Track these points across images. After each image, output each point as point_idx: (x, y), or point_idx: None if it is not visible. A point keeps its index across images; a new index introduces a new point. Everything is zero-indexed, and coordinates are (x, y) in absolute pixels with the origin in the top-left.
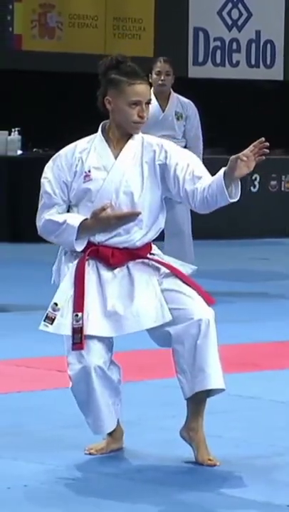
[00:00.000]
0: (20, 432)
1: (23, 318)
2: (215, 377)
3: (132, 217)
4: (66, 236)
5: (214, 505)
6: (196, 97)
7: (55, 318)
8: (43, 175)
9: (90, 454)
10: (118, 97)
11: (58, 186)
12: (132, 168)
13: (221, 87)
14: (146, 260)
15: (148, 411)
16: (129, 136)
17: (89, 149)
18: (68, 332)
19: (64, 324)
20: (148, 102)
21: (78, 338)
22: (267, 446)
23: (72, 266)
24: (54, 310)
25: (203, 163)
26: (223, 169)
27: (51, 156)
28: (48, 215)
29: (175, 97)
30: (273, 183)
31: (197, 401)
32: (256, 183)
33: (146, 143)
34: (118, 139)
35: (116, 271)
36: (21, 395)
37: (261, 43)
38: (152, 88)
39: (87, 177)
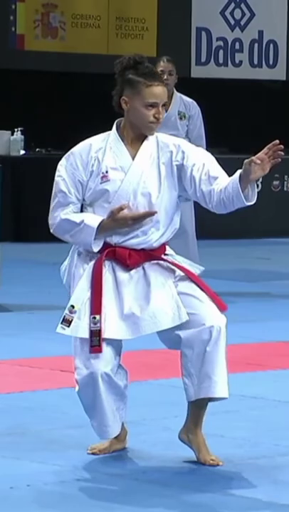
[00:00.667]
0: (23, 431)
1: (26, 317)
2: (220, 385)
3: (148, 217)
4: (83, 236)
5: (219, 505)
6: (198, 96)
7: (72, 320)
8: (57, 173)
9: (92, 453)
10: (135, 97)
11: (73, 185)
12: (149, 168)
13: (224, 86)
14: (161, 261)
15: (152, 411)
16: (144, 136)
17: (104, 148)
18: (86, 335)
19: (81, 327)
20: (164, 104)
21: (96, 341)
22: (271, 446)
23: (89, 267)
24: (71, 312)
25: None
26: (239, 172)
27: (55, 157)
28: (63, 215)
29: (178, 96)
30: (276, 183)
31: (199, 405)
32: (259, 182)
33: (162, 143)
34: (132, 138)
35: (132, 272)
36: (24, 395)
37: (264, 43)
38: None
39: (104, 177)
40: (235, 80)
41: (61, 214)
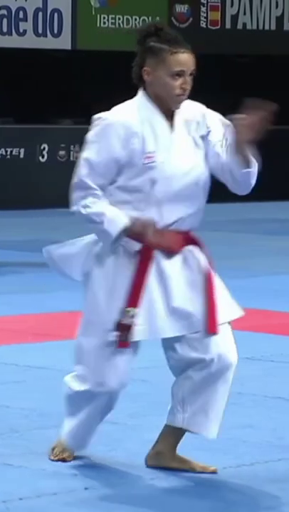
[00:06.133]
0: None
1: None
2: (214, 425)
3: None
4: (102, 238)
5: None
6: None
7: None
8: (88, 145)
9: (52, 460)
10: (158, 67)
11: (105, 164)
12: (187, 146)
13: (9, 55)
14: (195, 248)
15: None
16: (171, 110)
17: (144, 122)
18: (141, 337)
19: (137, 330)
20: (192, 73)
21: (125, 337)
22: (61, 416)
23: (127, 257)
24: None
25: None
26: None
27: None
28: (82, 208)
29: None
30: (62, 152)
31: (179, 435)
32: (44, 152)
33: (188, 114)
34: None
35: (175, 258)
36: None
37: (48, 12)
38: None
39: (148, 158)
40: (19, 49)
41: (80, 204)
